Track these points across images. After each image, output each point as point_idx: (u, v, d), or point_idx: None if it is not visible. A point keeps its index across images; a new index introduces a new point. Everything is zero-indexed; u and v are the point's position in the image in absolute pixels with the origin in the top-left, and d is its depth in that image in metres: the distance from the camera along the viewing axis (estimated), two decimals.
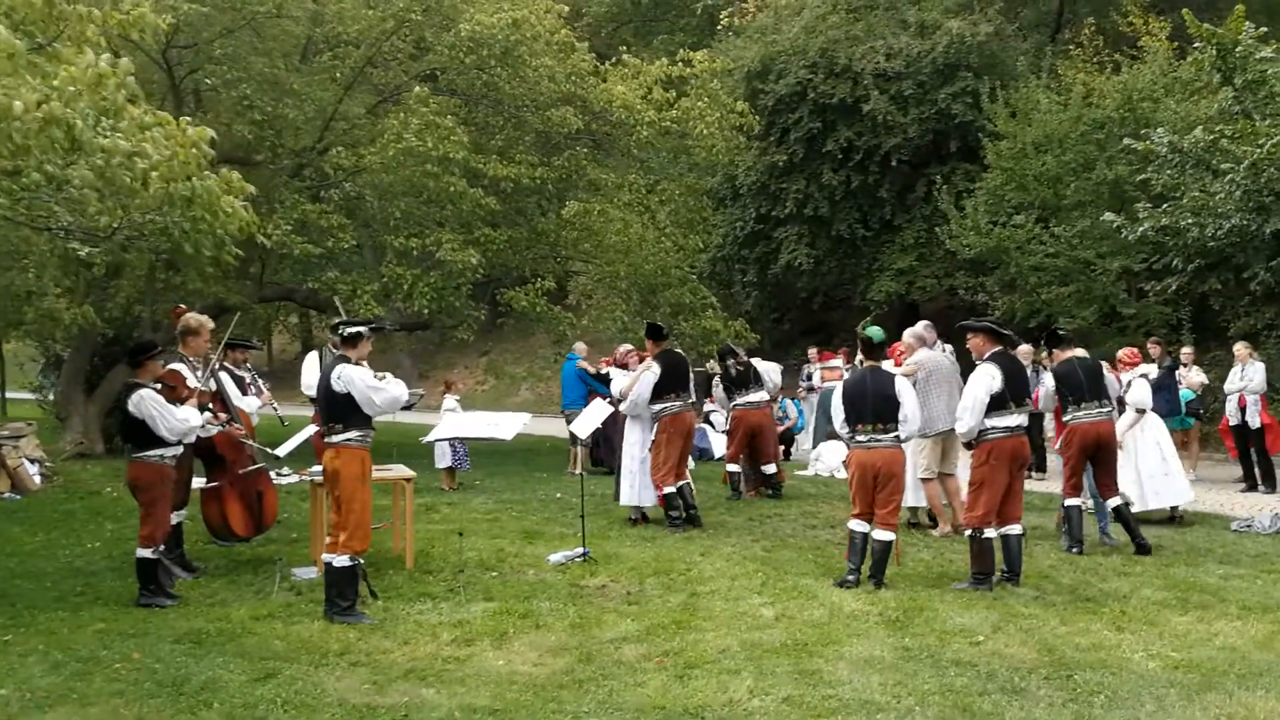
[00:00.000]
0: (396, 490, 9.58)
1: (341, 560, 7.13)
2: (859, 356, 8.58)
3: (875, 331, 8.20)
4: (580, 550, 9.05)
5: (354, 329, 7.44)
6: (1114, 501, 9.41)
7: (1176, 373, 14.27)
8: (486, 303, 20.10)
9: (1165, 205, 15.42)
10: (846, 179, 23.29)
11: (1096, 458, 9.43)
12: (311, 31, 17.52)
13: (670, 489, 10.52)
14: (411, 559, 8.88)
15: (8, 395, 28.18)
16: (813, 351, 18.59)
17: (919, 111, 22.41)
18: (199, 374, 8.44)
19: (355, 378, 7.22)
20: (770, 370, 12.83)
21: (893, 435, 7.98)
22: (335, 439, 7.29)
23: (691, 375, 10.97)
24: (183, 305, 9.69)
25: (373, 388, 7.24)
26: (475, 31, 16.05)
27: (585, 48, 18.67)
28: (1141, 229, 15.67)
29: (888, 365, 10.04)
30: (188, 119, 7.14)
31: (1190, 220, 15.00)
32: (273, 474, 9.81)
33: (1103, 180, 18.28)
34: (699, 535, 10.20)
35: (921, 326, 10.60)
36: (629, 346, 13.30)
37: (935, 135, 22.80)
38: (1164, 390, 14.15)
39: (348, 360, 7.35)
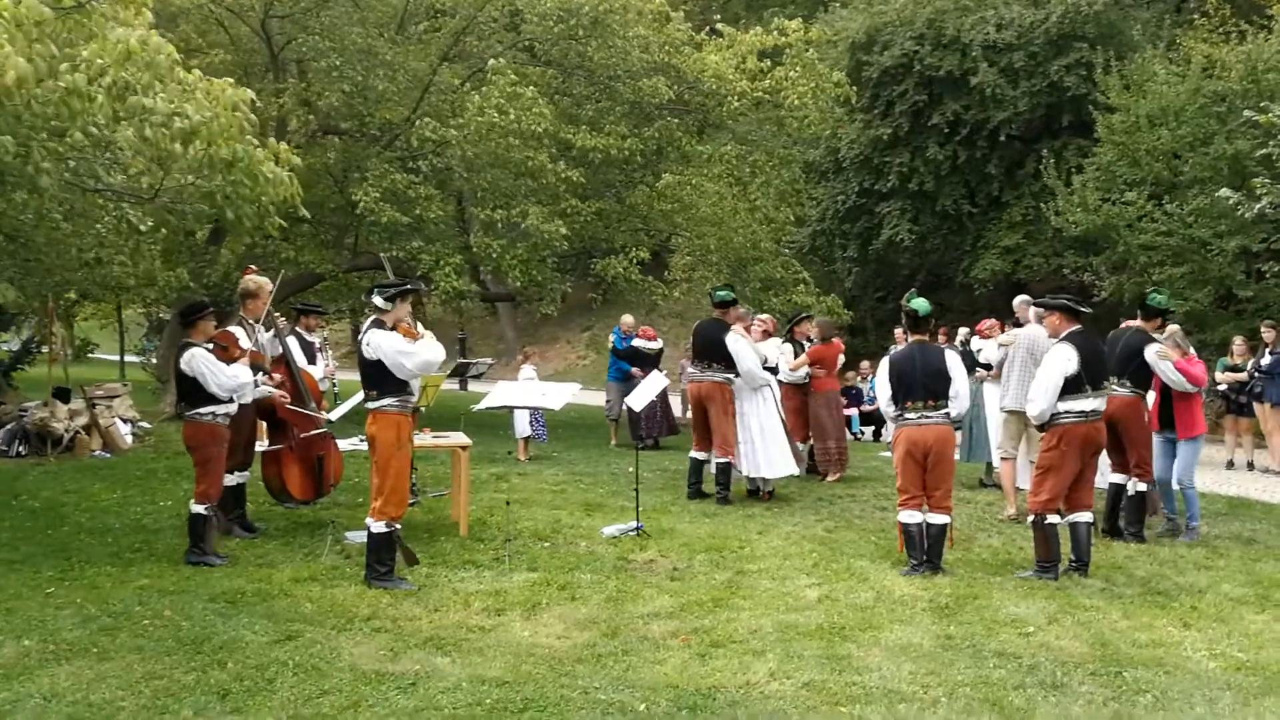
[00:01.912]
0: (455, 458, 9.53)
1: (379, 526, 7.09)
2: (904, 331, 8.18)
3: (920, 304, 7.81)
4: (634, 524, 8.90)
5: (385, 293, 7.30)
6: (1117, 478, 8.97)
7: None
8: (577, 277, 20.02)
9: None
10: (953, 153, 22.63)
11: (1122, 435, 8.80)
12: (407, 1, 17.59)
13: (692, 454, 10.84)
14: (465, 526, 8.83)
15: (126, 359, 29.24)
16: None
17: (1030, 84, 21.60)
18: (257, 336, 8.51)
19: (384, 343, 7.08)
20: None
21: (943, 412, 7.61)
22: (372, 405, 7.23)
23: (731, 345, 10.40)
24: (252, 266, 9.77)
25: (402, 352, 7.08)
26: (563, 1, 15.93)
27: (680, 17, 18.39)
28: (1259, 206, 14.83)
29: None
30: (229, 80, 7.08)
31: None
32: (357, 440, 9.80)
33: (1221, 155, 17.31)
34: (760, 513, 9.97)
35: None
36: (765, 315, 13.07)
37: (1047, 109, 21.94)
38: (1278, 377, 13.41)
39: (381, 325, 7.24)
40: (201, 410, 7.66)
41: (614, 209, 18.00)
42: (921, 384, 7.59)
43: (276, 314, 9.16)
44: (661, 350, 15.31)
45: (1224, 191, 15.53)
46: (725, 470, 10.44)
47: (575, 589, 7.05)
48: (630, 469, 12.74)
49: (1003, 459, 9.90)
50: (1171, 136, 17.96)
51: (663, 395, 14.41)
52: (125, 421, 13.72)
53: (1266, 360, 13.41)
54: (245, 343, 8.17)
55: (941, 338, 16.14)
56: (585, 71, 17.73)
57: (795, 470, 10.83)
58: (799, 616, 6.45)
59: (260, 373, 8.23)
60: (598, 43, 16.51)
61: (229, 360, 7.81)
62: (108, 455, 12.82)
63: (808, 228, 25.85)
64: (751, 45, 18.10)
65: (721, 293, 10.94)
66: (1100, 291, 18.56)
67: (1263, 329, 13.72)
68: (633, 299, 18.58)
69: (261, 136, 17.93)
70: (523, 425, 13.95)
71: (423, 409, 10.47)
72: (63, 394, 13.13)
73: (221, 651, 5.56)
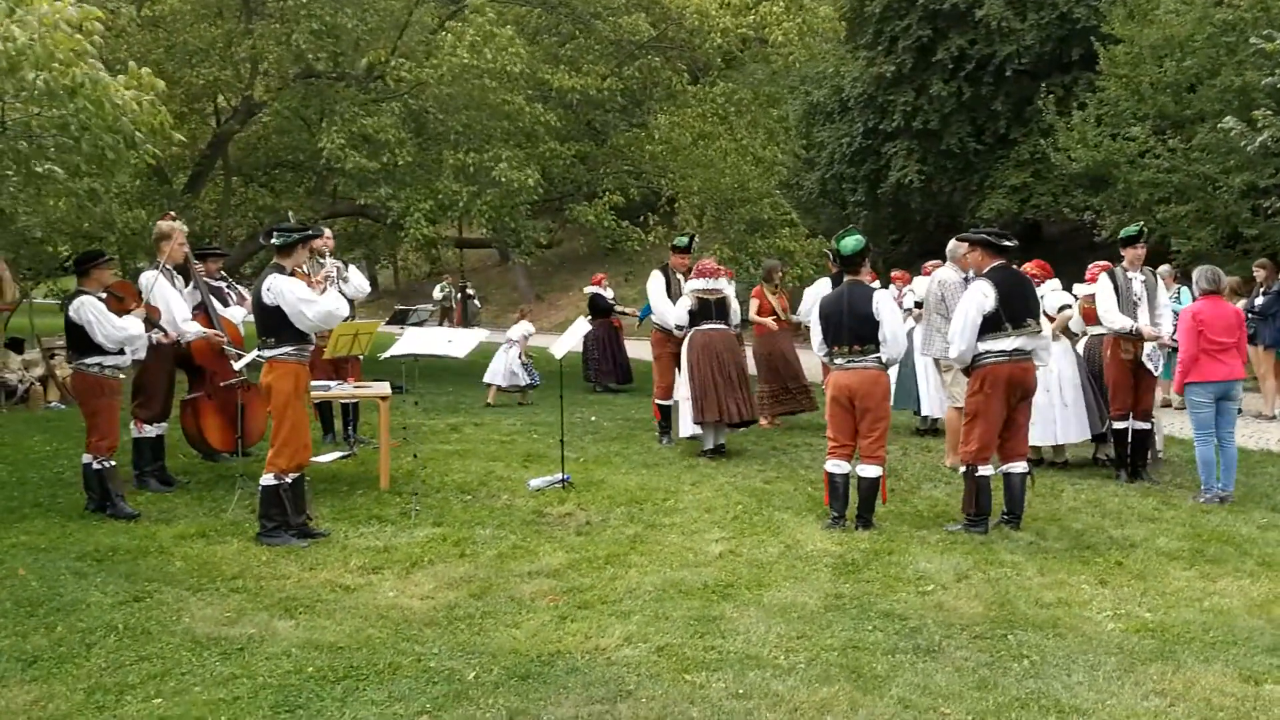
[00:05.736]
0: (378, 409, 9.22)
1: (267, 479, 6.81)
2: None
3: (847, 243, 7.31)
4: (560, 476, 8.57)
5: (285, 235, 6.98)
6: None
7: None
8: (561, 223, 19.58)
9: None
10: (958, 90, 21.90)
11: None
12: None
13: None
14: (386, 479, 8.54)
15: None
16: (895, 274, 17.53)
17: (1037, 17, 20.80)
18: (176, 281, 8.25)
19: (285, 289, 6.79)
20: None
21: (874, 356, 7.16)
22: (268, 353, 6.93)
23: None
24: (171, 213, 9.46)
25: (304, 300, 6.79)
26: None
27: None
28: (1261, 138, 14.10)
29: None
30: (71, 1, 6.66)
31: None
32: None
33: (1230, 87, 16.49)
34: (703, 463, 9.60)
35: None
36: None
37: (1057, 43, 21.12)
38: (1272, 317, 12.81)
39: (282, 270, 6.92)
40: (88, 360, 7.38)
41: (596, 151, 17.51)
42: (848, 327, 7.14)
43: (195, 263, 8.86)
44: (600, 296, 15.33)
45: (1227, 120, 14.77)
46: (663, 412, 10.71)
47: (469, 545, 6.75)
48: (592, 418, 12.47)
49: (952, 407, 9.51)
50: (1177, 68, 17.13)
51: (616, 342, 14.30)
52: None
53: (1260, 301, 12.79)
54: (163, 287, 7.88)
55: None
56: (567, 9, 17.19)
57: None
58: (689, 574, 6.10)
59: (155, 329, 7.91)
60: None
61: (124, 311, 7.52)
62: (62, 407, 12.65)
63: (816, 172, 25.23)
64: None
65: (678, 239, 10.85)
66: (1101, 231, 17.89)
67: (1255, 268, 13.10)
68: (608, 246, 18.08)
69: (237, 79, 17.50)
70: (493, 371, 13.78)
71: (360, 357, 10.19)
72: (15, 344, 12.96)
73: (56, 614, 5.30)
